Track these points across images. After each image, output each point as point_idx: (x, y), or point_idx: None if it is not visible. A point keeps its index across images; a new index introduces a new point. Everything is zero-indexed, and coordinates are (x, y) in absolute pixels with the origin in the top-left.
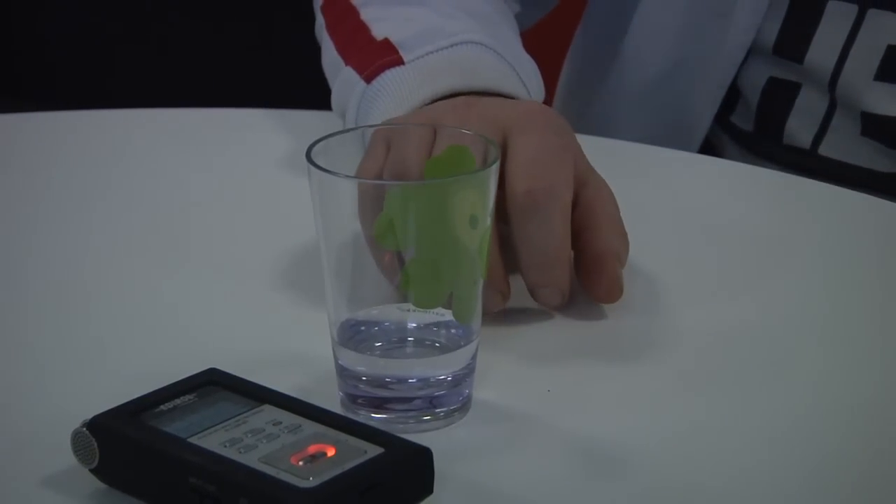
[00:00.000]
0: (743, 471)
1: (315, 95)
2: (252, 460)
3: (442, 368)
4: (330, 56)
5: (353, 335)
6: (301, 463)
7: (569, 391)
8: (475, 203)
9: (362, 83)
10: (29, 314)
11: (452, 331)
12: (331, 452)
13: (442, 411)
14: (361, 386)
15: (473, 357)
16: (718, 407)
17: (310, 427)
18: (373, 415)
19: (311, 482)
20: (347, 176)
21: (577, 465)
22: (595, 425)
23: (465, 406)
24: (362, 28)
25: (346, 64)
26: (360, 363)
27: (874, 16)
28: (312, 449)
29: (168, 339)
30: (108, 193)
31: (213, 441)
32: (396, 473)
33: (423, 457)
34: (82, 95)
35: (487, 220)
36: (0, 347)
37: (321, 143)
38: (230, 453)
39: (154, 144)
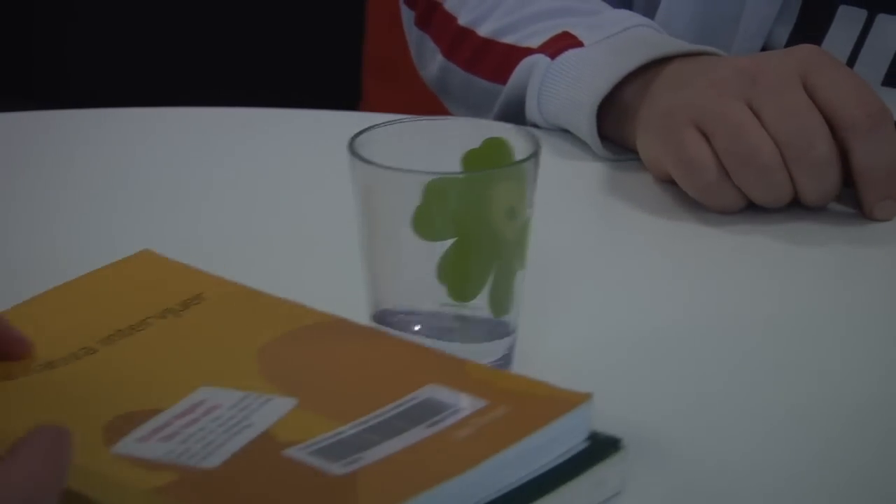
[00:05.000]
0: (785, 463)
1: (320, 95)
2: None
3: (478, 360)
4: (477, 88)
5: (389, 327)
6: None
7: (606, 384)
8: (513, 195)
9: (546, 59)
10: None
11: (489, 323)
12: None
13: None
14: None
15: (510, 349)
16: (764, 401)
17: None
18: None
19: None
20: (389, 167)
21: None
22: (634, 418)
23: None
24: (514, 49)
25: (504, 81)
26: None
27: (883, 21)
28: None
29: None
30: (123, 192)
31: None
32: None
33: None
34: (92, 95)
35: (526, 212)
36: None
37: (364, 135)
38: None
39: (165, 144)
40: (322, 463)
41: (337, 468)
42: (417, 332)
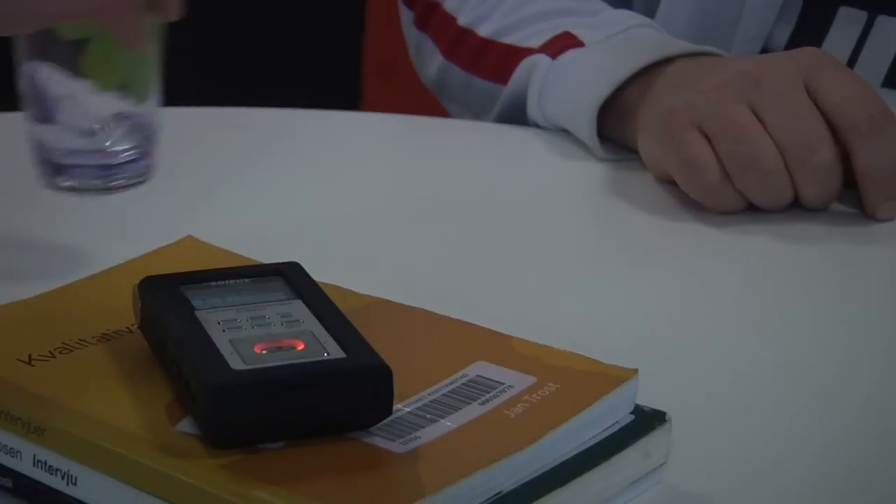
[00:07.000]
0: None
1: (320, 95)
2: (222, 340)
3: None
4: (477, 88)
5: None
6: (263, 351)
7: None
8: None
9: (547, 59)
10: None
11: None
12: (299, 347)
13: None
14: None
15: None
16: (761, 406)
17: (308, 325)
18: None
19: (244, 366)
20: None
21: None
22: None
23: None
24: (515, 49)
25: (505, 81)
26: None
27: (883, 23)
28: (286, 342)
29: None
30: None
31: (214, 318)
32: (342, 379)
33: (380, 372)
34: None
35: None
36: None
37: None
38: (213, 330)
39: (169, 143)
40: (383, 441)
41: (397, 447)
42: None
